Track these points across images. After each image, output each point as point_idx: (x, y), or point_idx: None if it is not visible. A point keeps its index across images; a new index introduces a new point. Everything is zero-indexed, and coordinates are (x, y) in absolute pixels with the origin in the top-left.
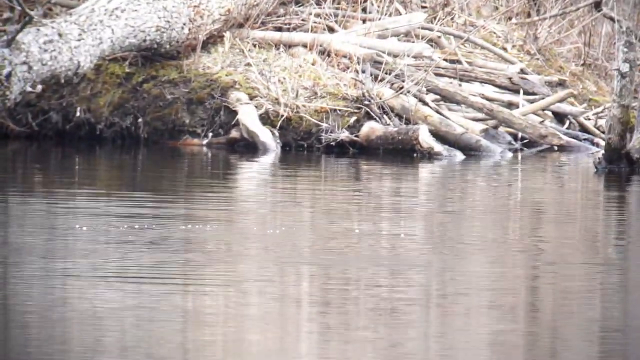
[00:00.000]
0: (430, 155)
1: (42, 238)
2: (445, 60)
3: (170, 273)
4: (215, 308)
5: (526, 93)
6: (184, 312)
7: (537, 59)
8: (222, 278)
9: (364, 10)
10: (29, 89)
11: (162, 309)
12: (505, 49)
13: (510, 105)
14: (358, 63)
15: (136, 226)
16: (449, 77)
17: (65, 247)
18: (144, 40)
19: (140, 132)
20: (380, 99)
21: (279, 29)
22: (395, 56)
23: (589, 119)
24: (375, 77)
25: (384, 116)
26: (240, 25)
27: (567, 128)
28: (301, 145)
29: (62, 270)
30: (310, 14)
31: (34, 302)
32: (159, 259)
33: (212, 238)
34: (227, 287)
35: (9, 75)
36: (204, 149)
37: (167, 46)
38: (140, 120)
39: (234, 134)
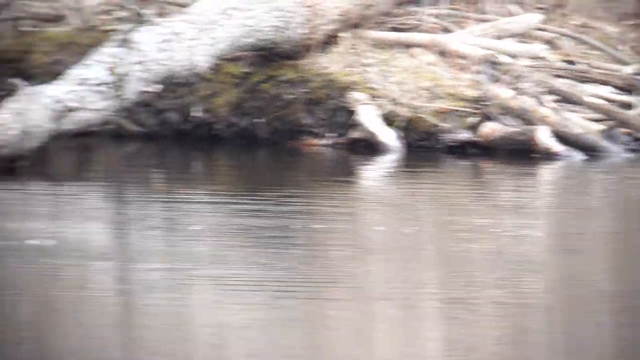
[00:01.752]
0: (549, 155)
1: (163, 240)
2: (561, 61)
3: (298, 274)
4: (343, 313)
5: None
6: (311, 318)
7: None
8: (350, 279)
9: (479, 11)
10: (145, 88)
11: (292, 313)
12: (619, 50)
13: (626, 105)
14: (476, 64)
15: (256, 224)
16: (565, 77)
17: (186, 248)
18: (261, 40)
19: (259, 132)
20: (499, 99)
21: (395, 30)
22: (512, 57)
23: None
24: (494, 78)
25: (503, 117)
26: (357, 26)
27: None
28: (421, 146)
29: (186, 272)
30: (427, 14)
31: (155, 306)
32: (288, 259)
33: (338, 236)
34: (355, 289)
35: (125, 75)
36: (324, 149)
37: (284, 46)
38: (259, 120)
39: (354, 134)
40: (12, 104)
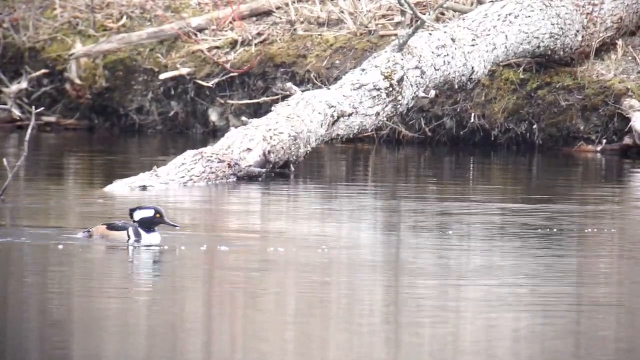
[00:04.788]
0: None
1: (431, 254)
2: None
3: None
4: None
5: None
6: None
7: None
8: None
9: None
10: (421, 94)
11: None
12: None
13: None
14: None
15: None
16: None
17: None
18: (538, 47)
19: (535, 139)
20: None
21: None
22: None
23: None
24: None
25: None
26: (632, 33)
27: None
28: None
29: (455, 290)
30: None
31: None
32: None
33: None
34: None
35: (400, 80)
36: (598, 155)
37: (561, 53)
38: (535, 126)
39: (627, 140)
40: (284, 109)
